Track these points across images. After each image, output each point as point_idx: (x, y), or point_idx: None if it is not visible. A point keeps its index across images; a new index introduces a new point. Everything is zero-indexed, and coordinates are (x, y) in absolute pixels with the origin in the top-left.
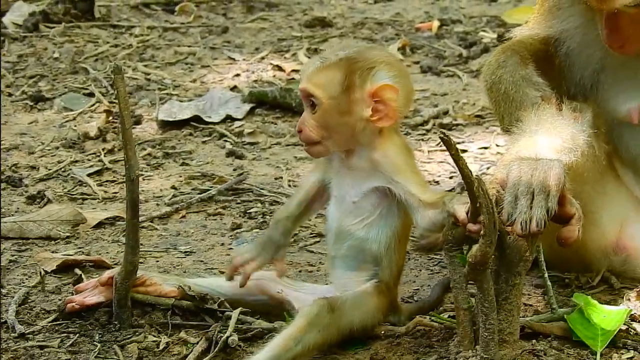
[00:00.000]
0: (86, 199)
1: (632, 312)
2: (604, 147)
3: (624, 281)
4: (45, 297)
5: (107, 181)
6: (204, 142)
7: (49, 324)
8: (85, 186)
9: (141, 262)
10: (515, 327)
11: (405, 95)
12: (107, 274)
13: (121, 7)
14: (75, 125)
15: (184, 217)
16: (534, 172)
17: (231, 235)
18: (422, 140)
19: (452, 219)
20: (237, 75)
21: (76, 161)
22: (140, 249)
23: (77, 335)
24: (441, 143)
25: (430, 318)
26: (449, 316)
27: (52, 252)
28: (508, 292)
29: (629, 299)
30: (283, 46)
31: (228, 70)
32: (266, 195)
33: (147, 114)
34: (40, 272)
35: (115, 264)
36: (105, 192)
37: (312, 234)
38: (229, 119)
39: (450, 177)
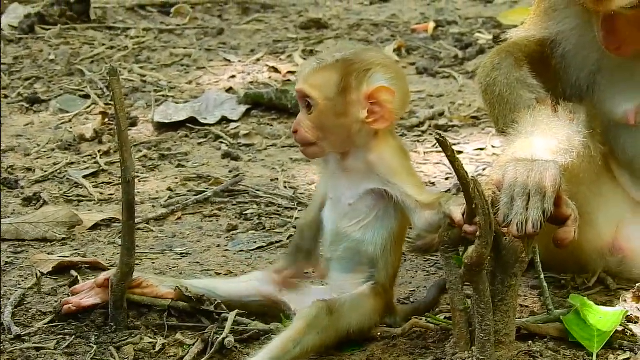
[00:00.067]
0: (82, 200)
1: (629, 313)
2: (600, 148)
3: (620, 282)
4: (41, 299)
5: (103, 183)
6: (199, 143)
7: (45, 326)
8: (81, 188)
9: (137, 264)
10: (512, 329)
11: (401, 97)
12: (103, 275)
13: (117, 9)
14: (71, 127)
15: (179, 218)
16: (530, 173)
17: (227, 237)
18: (418, 141)
19: (448, 220)
20: (233, 76)
21: (72, 163)
22: (136, 251)
23: (73, 337)
24: (437, 144)
25: (426, 319)
26: (445, 317)
27: (48, 253)
28: (504, 294)
29: (625, 300)
30: (279, 48)
31: (224, 71)
32: (262, 197)
33: (142, 115)
34: (37, 274)
35: (111, 266)
36: (101, 193)
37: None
38: (224, 120)
39: (446, 179)
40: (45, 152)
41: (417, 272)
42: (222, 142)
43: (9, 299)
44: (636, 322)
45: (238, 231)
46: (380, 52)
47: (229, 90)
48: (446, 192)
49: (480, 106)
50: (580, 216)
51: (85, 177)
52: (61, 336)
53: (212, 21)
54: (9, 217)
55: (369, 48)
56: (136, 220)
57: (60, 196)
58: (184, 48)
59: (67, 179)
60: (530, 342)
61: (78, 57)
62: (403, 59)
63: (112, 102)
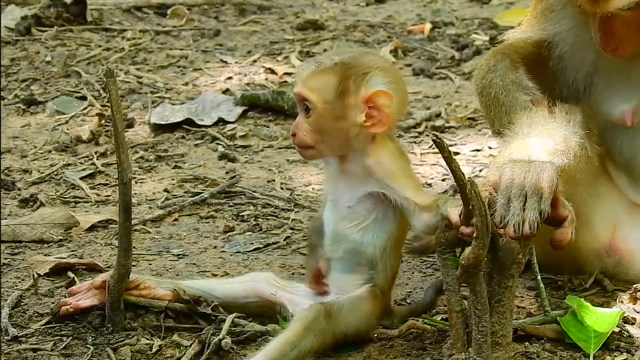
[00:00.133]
0: (79, 202)
1: (625, 315)
2: (597, 149)
3: (617, 283)
4: (38, 300)
5: (99, 184)
6: (196, 145)
7: (42, 327)
8: (78, 189)
9: (134, 265)
10: (508, 330)
11: (399, 101)
12: (100, 277)
13: (113, 11)
14: (67, 129)
15: (176, 220)
16: (527, 174)
17: (224, 238)
18: (415, 142)
19: (445, 222)
20: (230, 78)
21: (69, 164)
22: (133, 252)
23: (70, 338)
24: (434, 145)
25: (423, 321)
26: (442, 319)
27: (45, 255)
28: (501, 295)
29: (621, 301)
30: (275, 49)
31: (220, 73)
32: (258, 198)
33: (139, 117)
34: (33, 275)
35: (108, 267)
36: (98, 195)
37: (305, 236)
38: (221, 122)
39: (443, 180)
40: (42, 153)
41: (414, 273)
42: (218, 144)
43: (6, 300)
44: (633, 323)
45: (235, 232)
46: (378, 55)
47: (226, 91)
48: (443, 193)
49: (477, 107)
50: (577, 217)
51: (82, 178)
52: (58, 337)
53: (209, 22)
54: (5, 218)
55: (367, 51)
56: (133, 222)
57: (57, 197)
58: (181, 49)
59: (64, 180)
60: (527, 343)
61: (74, 59)
62: (399, 60)
63: (109, 104)
